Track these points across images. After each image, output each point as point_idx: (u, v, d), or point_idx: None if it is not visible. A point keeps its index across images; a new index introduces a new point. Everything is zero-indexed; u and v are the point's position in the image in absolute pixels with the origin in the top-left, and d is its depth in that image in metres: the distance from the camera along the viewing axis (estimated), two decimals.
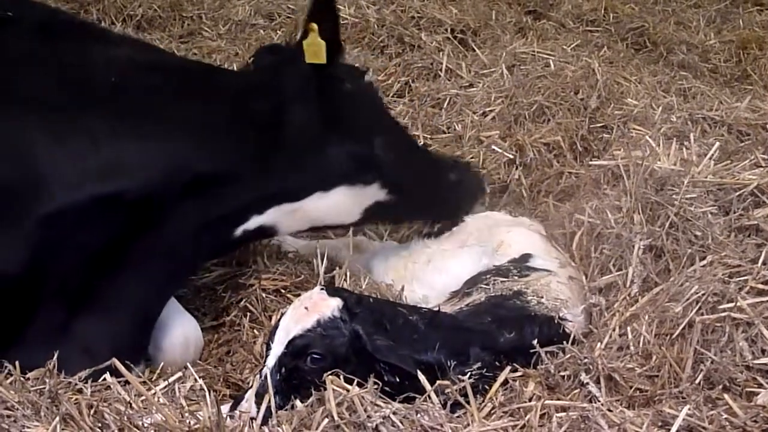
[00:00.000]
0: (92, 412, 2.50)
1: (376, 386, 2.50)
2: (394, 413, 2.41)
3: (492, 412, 2.59)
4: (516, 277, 3.17)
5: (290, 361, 2.62)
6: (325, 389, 2.46)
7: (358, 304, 2.70)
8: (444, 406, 2.53)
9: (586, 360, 2.70)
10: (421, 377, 2.58)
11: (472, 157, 4.48)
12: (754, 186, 3.30)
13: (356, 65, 4.97)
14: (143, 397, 2.59)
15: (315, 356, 2.60)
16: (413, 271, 3.54)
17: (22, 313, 2.91)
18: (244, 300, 3.50)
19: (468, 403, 2.54)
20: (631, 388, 2.63)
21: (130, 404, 2.54)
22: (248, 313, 3.46)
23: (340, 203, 3.42)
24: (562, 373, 2.70)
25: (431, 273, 3.50)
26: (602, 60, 5.31)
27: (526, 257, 3.33)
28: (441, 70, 5.32)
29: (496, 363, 2.75)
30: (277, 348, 2.64)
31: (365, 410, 2.40)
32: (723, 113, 4.39)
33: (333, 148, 3.36)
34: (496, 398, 2.65)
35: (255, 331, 3.39)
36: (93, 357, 2.83)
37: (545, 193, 4.36)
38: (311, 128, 3.32)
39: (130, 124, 3.03)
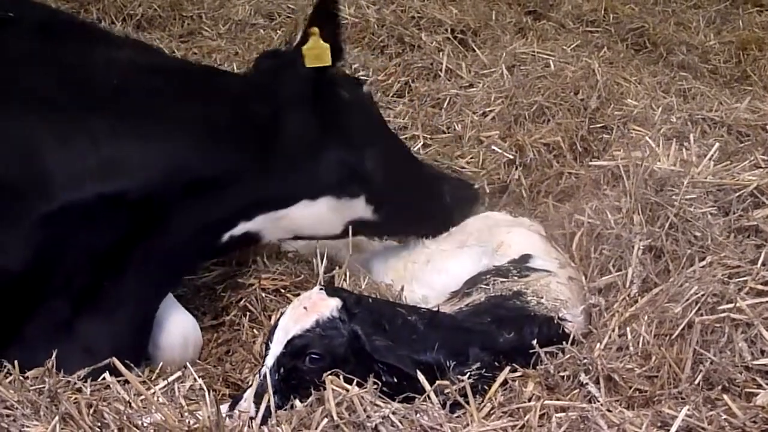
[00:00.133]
0: (92, 411, 2.50)
1: (375, 386, 2.50)
2: (394, 413, 2.41)
3: (491, 412, 2.59)
4: (516, 278, 3.17)
5: (289, 361, 2.61)
6: (325, 389, 2.46)
7: (357, 304, 2.70)
8: (443, 406, 2.53)
9: (585, 360, 2.70)
10: (421, 377, 2.58)
11: (471, 157, 4.48)
12: (753, 187, 3.30)
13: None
14: (143, 397, 2.59)
15: (314, 356, 2.59)
16: (413, 271, 3.54)
17: (21, 311, 2.91)
18: (243, 299, 3.50)
19: (467, 403, 2.54)
20: (630, 388, 2.63)
21: (130, 403, 2.54)
22: (248, 313, 3.46)
23: (324, 213, 3.39)
24: (561, 374, 2.70)
25: (431, 273, 3.50)
26: (602, 60, 5.31)
27: (525, 258, 3.33)
28: (441, 70, 5.31)
29: (496, 363, 2.75)
30: (276, 348, 2.64)
31: (365, 410, 2.40)
32: (723, 114, 4.39)
33: (324, 156, 3.34)
34: (496, 398, 2.64)
35: (254, 330, 3.39)
36: (93, 356, 2.83)
37: (545, 193, 4.36)
38: (306, 134, 3.31)
39: (131, 125, 3.04)
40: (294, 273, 3.58)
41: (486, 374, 2.70)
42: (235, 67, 5.35)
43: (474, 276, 3.31)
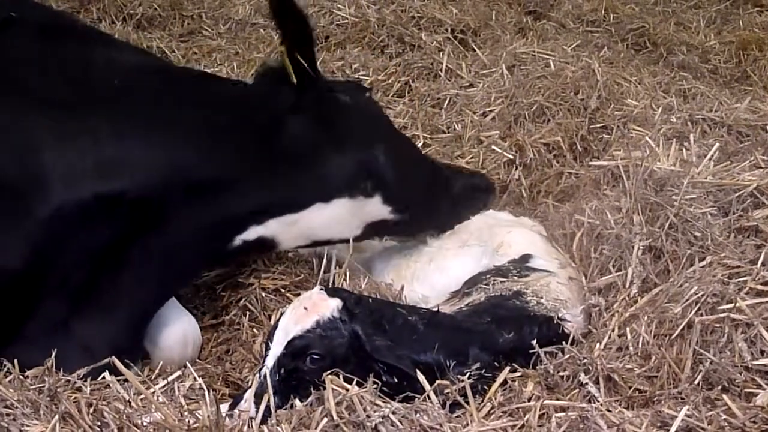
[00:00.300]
0: (91, 410, 2.50)
1: (375, 386, 2.50)
2: (394, 413, 2.41)
3: (491, 412, 2.59)
4: (516, 278, 3.18)
5: (289, 361, 2.61)
6: (325, 389, 2.47)
7: (357, 304, 2.70)
8: (443, 406, 2.53)
9: (585, 360, 2.70)
10: (420, 377, 2.58)
11: (471, 157, 4.49)
12: (753, 187, 3.30)
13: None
14: (142, 396, 2.60)
15: (314, 357, 2.59)
16: (414, 270, 3.54)
17: (21, 310, 2.91)
18: (243, 299, 3.50)
19: (467, 403, 2.54)
20: (630, 388, 2.64)
21: (130, 403, 2.55)
22: (247, 312, 3.46)
23: (340, 215, 3.37)
24: (561, 374, 2.70)
25: (432, 272, 3.50)
26: (602, 60, 5.31)
27: (526, 258, 3.33)
28: (441, 70, 5.32)
29: (496, 363, 2.75)
30: (276, 348, 2.64)
31: (364, 410, 2.40)
32: (723, 114, 4.39)
33: (332, 159, 3.32)
34: (496, 398, 2.65)
35: (254, 330, 3.39)
36: (92, 355, 2.83)
37: (545, 193, 4.37)
38: (308, 138, 3.29)
39: (131, 126, 3.04)
40: (294, 272, 3.58)
41: (486, 374, 2.70)
42: (235, 67, 5.36)
43: (474, 276, 3.31)
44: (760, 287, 2.77)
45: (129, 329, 3.11)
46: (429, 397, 2.53)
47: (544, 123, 4.66)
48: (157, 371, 3.06)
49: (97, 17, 5.93)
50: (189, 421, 2.48)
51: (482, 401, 2.63)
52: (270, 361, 2.64)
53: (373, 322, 2.67)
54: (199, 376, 2.90)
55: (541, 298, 3.05)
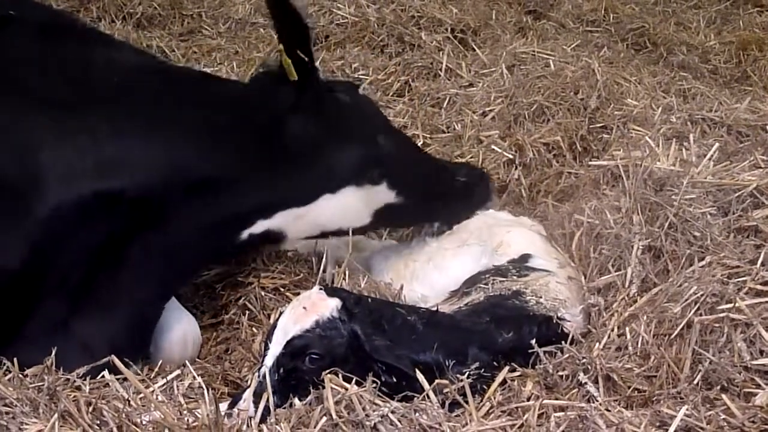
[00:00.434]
0: (91, 409, 2.50)
1: (374, 385, 2.50)
2: (393, 412, 2.41)
3: (490, 411, 2.59)
4: (515, 277, 3.17)
5: (288, 361, 2.61)
6: (324, 388, 2.46)
7: (356, 304, 2.70)
8: (442, 405, 2.53)
9: (584, 360, 2.70)
10: (420, 376, 2.58)
11: (471, 157, 4.49)
12: (753, 187, 3.30)
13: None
14: (142, 395, 2.60)
15: (313, 356, 2.59)
16: (413, 269, 3.54)
17: (21, 309, 2.91)
18: (243, 298, 3.49)
19: (466, 402, 2.54)
20: (629, 388, 2.64)
21: (129, 401, 2.55)
22: (247, 311, 3.46)
23: (348, 205, 3.41)
24: (560, 373, 2.70)
25: (431, 272, 3.50)
26: (602, 60, 5.31)
27: (525, 257, 3.33)
28: (441, 69, 5.32)
29: (495, 363, 2.75)
30: (275, 348, 2.64)
31: (363, 409, 2.40)
32: (723, 114, 4.39)
33: (336, 150, 3.36)
34: (495, 398, 2.65)
35: (254, 329, 3.39)
36: (92, 354, 2.83)
37: (544, 193, 4.37)
38: (309, 134, 3.32)
39: (131, 125, 3.05)
40: (293, 272, 3.58)
41: (485, 374, 2.70)
42: (235, 66, 5.36)
43: (473, 275, 3.31)
44: (759, 287, 2.77)
45: (129, 328, 3.11)
46: (428, 397, 2.53)
47: (544, 123, 4.66)
48: (156, 370, 3.07)
49: (96, 16, 5.93)
50: (188, 420, 2.48)
51: (481, 401, 2.63)
52: (269, 360, 2.63)
53: (372, 322, 2.67)
54: (198, 375, 2.90)
55: (541, 297, 3.05)
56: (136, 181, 2.99)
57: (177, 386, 2.76)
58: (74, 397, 2.54)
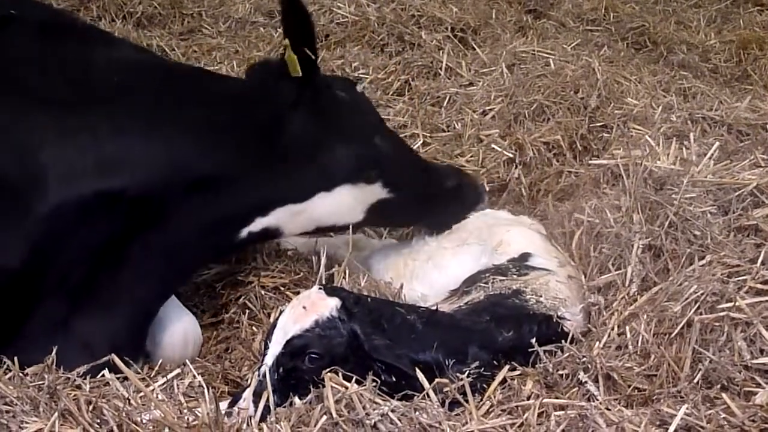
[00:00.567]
0: (91, 408, 2.50)
1: (374, 384, 2.50)
2: (393, 411, 2.41)
3: (490, 410, 2.59)
4: (515, 276, 3.17)
5: (288, 361, 2.61)
6: (324, 387, 2.46)
7: (356, 303, 2.69)
8: (442, 404, 2.53)
9: (584, 359, 2.70)
10: (420, 375, 2.58)
11: (471, 156, 4.49)
12: (753, 186, 3.30)
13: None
14: (142, 394, 2.60)
15: (313, 356, 2.59)
16: (413, 269, 3.54)
17: (21, 308, 2.91)
18: (243, 297, 3.50)
19: (466, 401, 2.54)
20: (629, 387, 2.64)
21: (129, 400, 2.55)
22: (247, 311, 3.46)
23: (343, 202, 3.43)
24: (560, 372, 2.70)
25: (431, 271, 3.50)
26: (602, 59, 5.31)
27: (525, 256, 3.33)
28: (441, 68, 5.32)
29: (495, 362, 2.75)
30: (275, 348, 2.64)
31: (364, 408, 2.40)
32: (723, 113, 4.40)
33: (333, 149, 3.37)
34: (495, 396, 2.64)
35: (254, 328, 3.39)
36: (92, 353, 2.83)
37: (544, 192, 4.36)
38: (308, 131, 3.33)
39: (131, 123, 3.05)
40: (293, 271, 3.58)
41: (485, 373, 2.70)
42: (235, 65, 5.35)
43: (473, 274, 3.31)
44: (759, 286, 2.77)
45: (129, 327, 3.11)
46: (428, 396, 2.53)
47: (544, 122, 4.66)
48: (156, 369, 3.07)
49: (97, 15, 5.93)
50: (188, 419, 2.48)
51: (481, 399, 2.63)
52: (269, 359, 2.63)
53: (371, 321, 2.67)
54: (198, 374, 2.90)
55: (541, 296, 3.05)
56: (136, 180, 2.99)
57: (177, 385, 2.76)
58: (74, 395, 2.54)
